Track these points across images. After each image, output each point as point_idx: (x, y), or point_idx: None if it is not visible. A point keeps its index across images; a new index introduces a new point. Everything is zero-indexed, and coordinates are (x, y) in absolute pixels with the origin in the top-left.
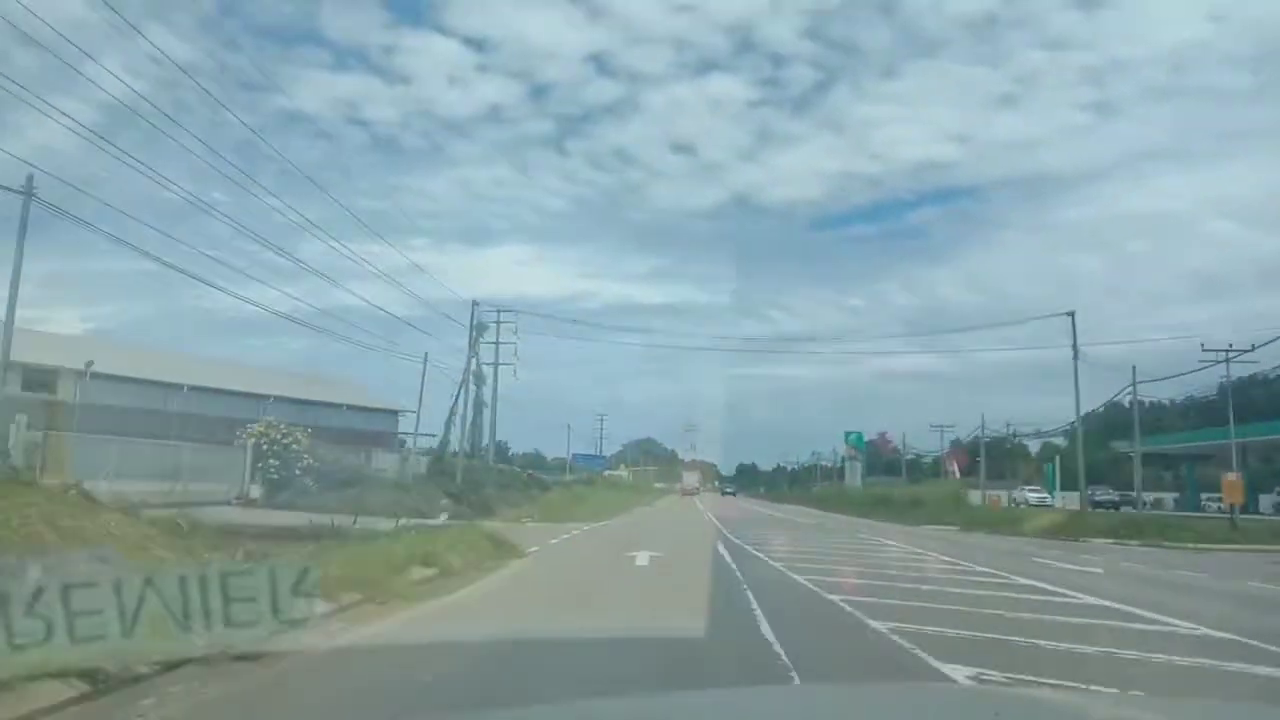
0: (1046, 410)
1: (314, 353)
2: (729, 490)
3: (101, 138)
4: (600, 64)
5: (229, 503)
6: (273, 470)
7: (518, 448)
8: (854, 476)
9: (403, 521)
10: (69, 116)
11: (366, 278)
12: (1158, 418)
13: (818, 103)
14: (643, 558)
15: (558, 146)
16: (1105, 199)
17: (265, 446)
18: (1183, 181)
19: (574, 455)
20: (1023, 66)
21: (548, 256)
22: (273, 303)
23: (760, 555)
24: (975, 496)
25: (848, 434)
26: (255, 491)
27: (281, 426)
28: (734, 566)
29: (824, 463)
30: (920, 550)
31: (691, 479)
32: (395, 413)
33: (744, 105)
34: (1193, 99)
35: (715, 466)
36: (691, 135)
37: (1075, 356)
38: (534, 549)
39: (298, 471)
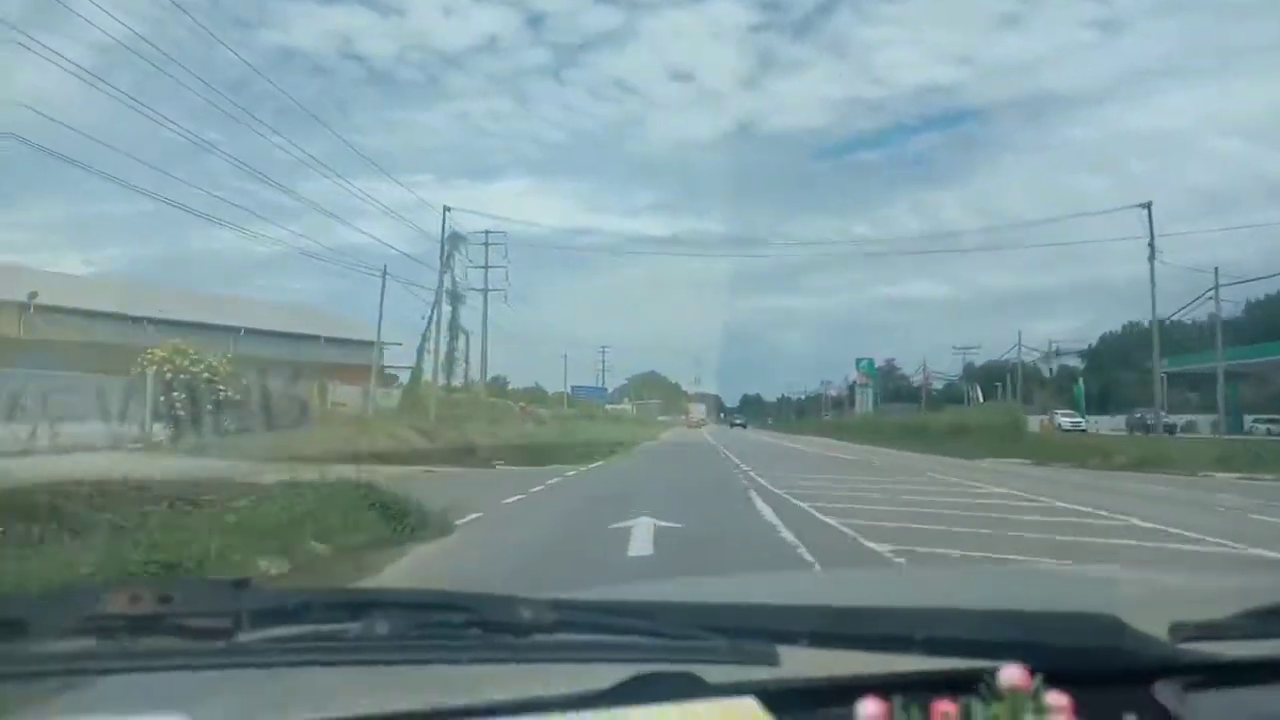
0: (1050, 334)
1: (324, 294)
2: (738, 421)
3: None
4: None
5: (124, 448)
6: (178, 406)
7: (518, 382)
8: (865, 404)
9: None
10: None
11: (369, 215)
12: (1181, 338)
13: (819, 26)
14: (641, 534)
15: (556, 76)
16: (1109, 118)
17: (170, 376)
18: (1186, 98)
19: (571, 387)
20: None
21: (549, 189)
22: (275, 241)
23: (835, 524)
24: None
25: (859, 360)
26: (161, 432)
27: (190, 351)
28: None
29: (831, 391)
30: (1059, 500)
31: (697, 412)
32: (370, 344)
33: (745, 30)
34: (1196, 13)
35: (719, 399)
36: (691, 62)
37: (1151, 257)
38: (474, 515)
39: (210, 407)
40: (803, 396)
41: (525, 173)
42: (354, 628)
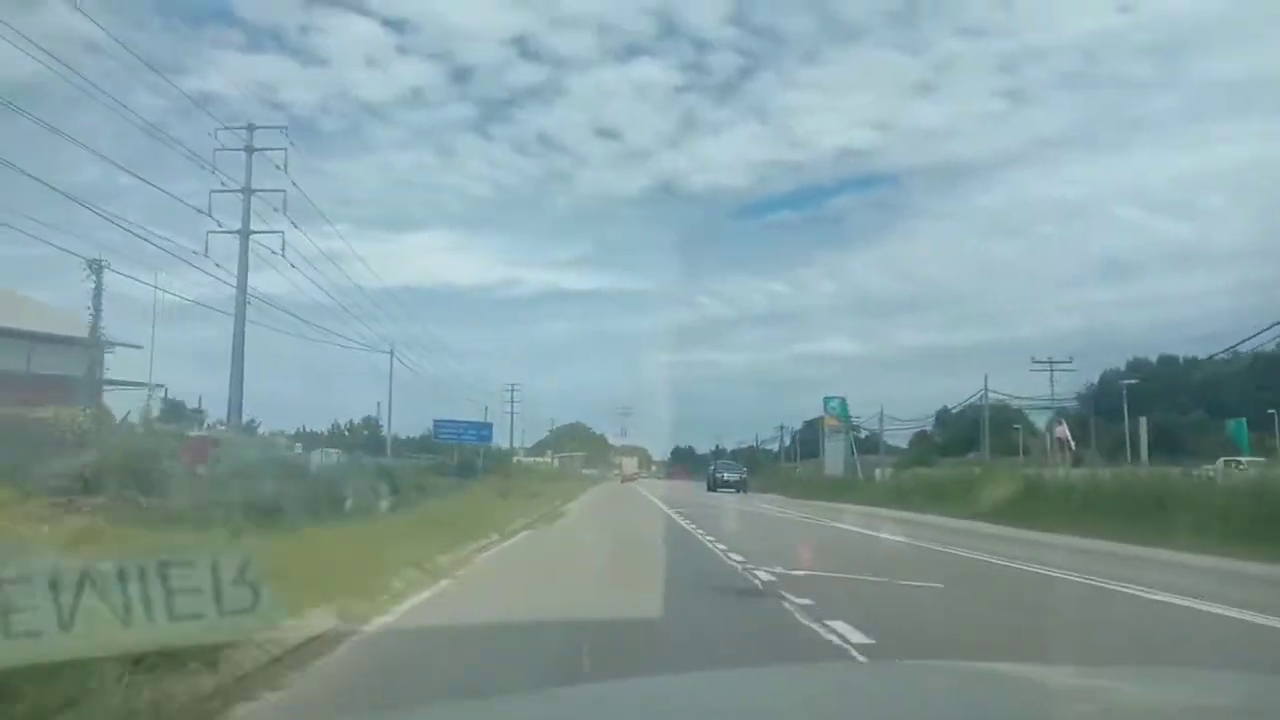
0: (958, 391)
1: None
2: (729, 479)
3: None
4: (523, 47)
5: None
6: None
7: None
8: (836, 453)
9: None
10: None
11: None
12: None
13: (741, 89)
14: None
15: (481, 131)
16: (1017, 185)
17: None
18: (1090, 168)
19: (437, 423)
20: (941, 54)
21: (472, 244)
22: (184, 290)
23: None
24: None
25: (827, 400)
26: None
27: None
28: None
29: (765, 445)
30: None
31: (630, 465)
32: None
33: (669, 91)
34: (1101, 87)
35: (647, 452)
36: (617, 121)
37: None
38: None
39: None
40: (737, 447)
41: (448, 225)
42: None
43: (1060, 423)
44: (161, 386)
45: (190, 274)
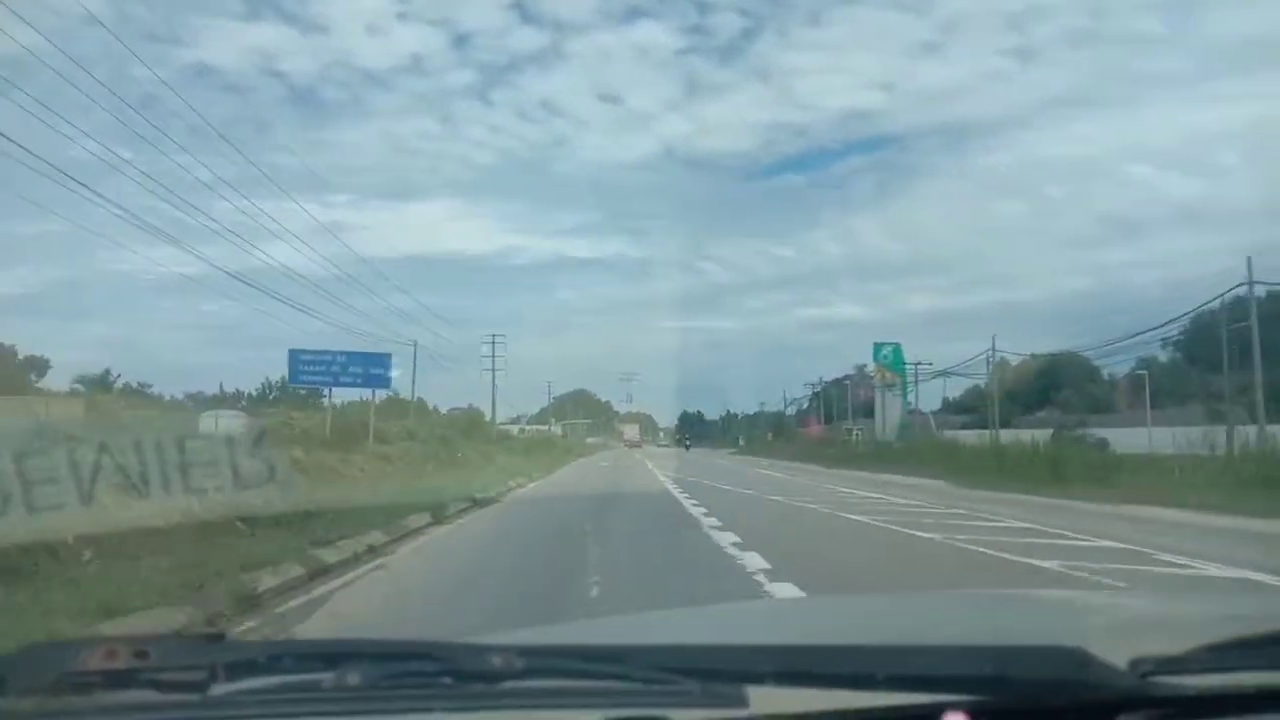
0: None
1: (235, 314)
2: (688, 442)
3: None
4: (523, 11)
5: None
6: None
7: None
8: (889, 414)
9: None
10: None
11: (286, 237)
12: None
13: (745, 51)
14: None
15: (482, 97)
16: (1025, 145)
17: None
18: (1098, 126)
19: (293, 356)
20: (946, 12)
21: (475, 212)
22: (185, 265)
23: None
24: None
25: (878, 348)
26: None
27: None
28: None
29: (784, 409)
30: None
31: (633, 431)
32: None
33: (671, 53)
34: (1108, 44)
35: (652, 418)
36: (619, 85)
37: None
38: None
39: None
40: (755, 411)
41: (450, 194)
42: (327, 678)
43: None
44: None
45: None
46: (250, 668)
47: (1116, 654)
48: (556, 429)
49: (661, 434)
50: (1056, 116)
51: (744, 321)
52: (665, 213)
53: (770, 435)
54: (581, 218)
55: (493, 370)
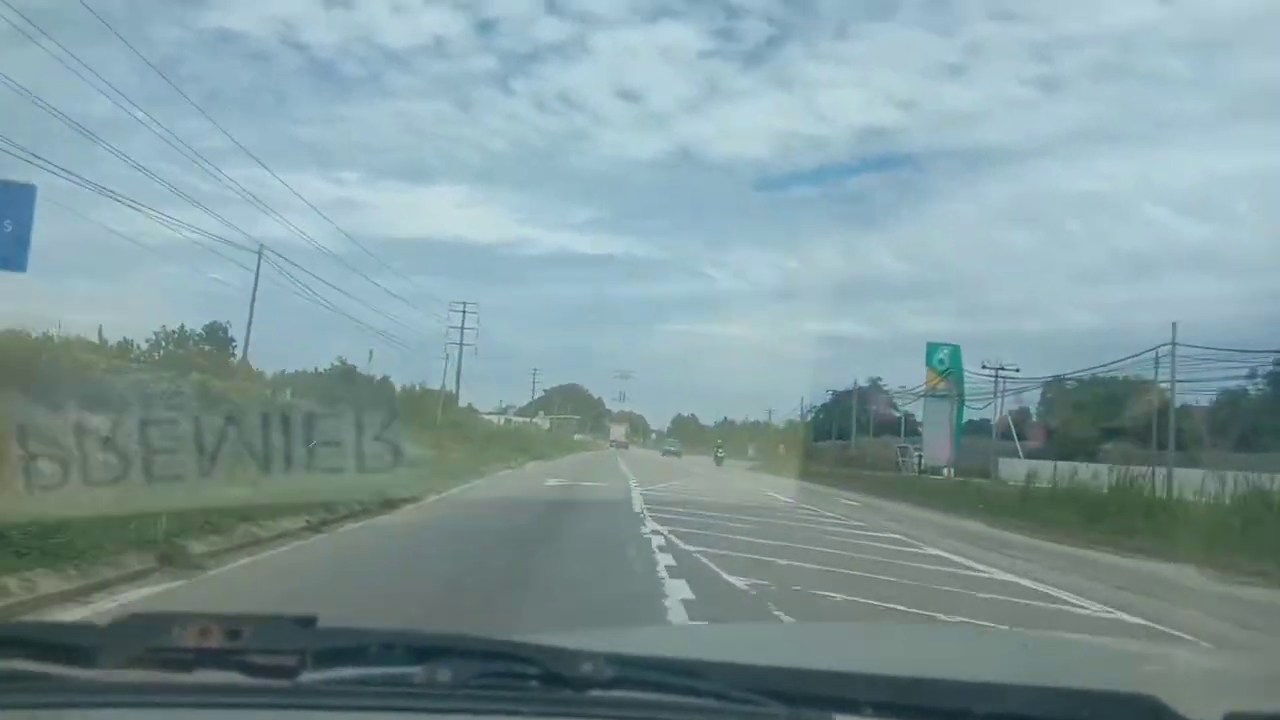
0: None
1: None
2: (671, 449)
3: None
4: (550, 2)
5: None
6: None
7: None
8: (939, 432)
9: None
10: None
11: (296, 210)
12: None
13: (769, 58)
14: None
15: (502, 85)
16: (1042, 175)
17: None
18: (1118, 164)
19: None
20: (972, 35)
21: (486, 199)
22: (186, 229)
23: None
24: None
25: (932, 349)
26: None
27: None
28: None
29: (803, 416)
30: None
31: (619, 431)
32: None
33: (694, 55)
34: (1136, 82)
35: (644, 419)
36: (639, 83)
37: None
38: None
39: None
40: (763, 420)
41: (462, 179)
42: (418, 673)
43: None
44: None
45: None
46: (341, 656)
47: (1194, 708)
48: (544, 422)
49: (653, 435)
50: (1076, 149)
51: (745, 330)
52: (675, 214)
53: (782, 448)
54: (591, 213)
55: (460, 344)
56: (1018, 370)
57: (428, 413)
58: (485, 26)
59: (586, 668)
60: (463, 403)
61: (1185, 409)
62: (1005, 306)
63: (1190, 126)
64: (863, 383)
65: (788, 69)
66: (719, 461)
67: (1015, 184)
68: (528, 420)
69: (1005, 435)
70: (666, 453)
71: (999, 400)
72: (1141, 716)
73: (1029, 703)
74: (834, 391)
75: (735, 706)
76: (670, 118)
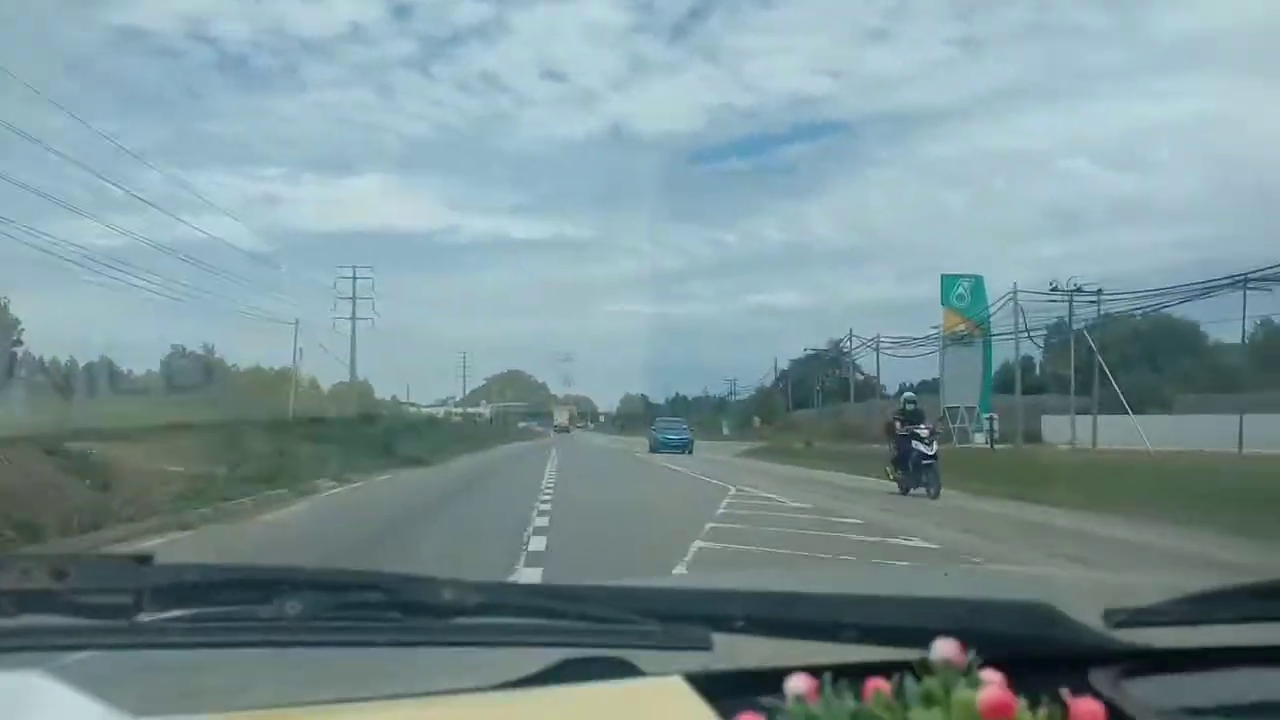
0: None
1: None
2: (672, 436)
3: None
4: None
5: None
6: None
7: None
8: (964, 383)
9: None
10: None
11: (214, 211)
12: None
13: (693, 30)
14: None
15: (423, 69)
16: (968, 135)
17: None
18: (1040, 119)
19: None
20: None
21: (413, 187)
22: (103, 237)
23: None
24: None
25: (949, 283)
26: None
27: None
28: None
29: (777, 384)
30: None
31: (563, 416)
32: None
33: (618, 31)
34: (1054, 37)
35: (591, 401)
36: (563, 61)
37: None
38: None
39: None
40: (724, 395)
41: (387, 168)
42: (264, 608)
43: None
44: None
45: None
46: (181, 593)
47: (1089, 613)
48: (486, 411)
49: (602, 418)
50: (1002, 107)
51: (690, 306)
52: (609, 194)
53: (758, 421)
54: (522, 197)
55: (352, 317)
56: (1100, 291)
57: (276, 399)
58: (402, 11)
59: (449, 595)
60: (386, 395)
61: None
62: (941, 268)
63: (1111, 79)
64: (838, 339)
65: (714, 40)
66: (662, 446)
67: (945, 145)
68: (464, 411)
69: (1033, 387)
70: (665, 444)
71: (1070, 335)
72: (1036, 623)
73: (911, 613)
74: (812, 350)
75: (607, 626)
76: (598, 95)
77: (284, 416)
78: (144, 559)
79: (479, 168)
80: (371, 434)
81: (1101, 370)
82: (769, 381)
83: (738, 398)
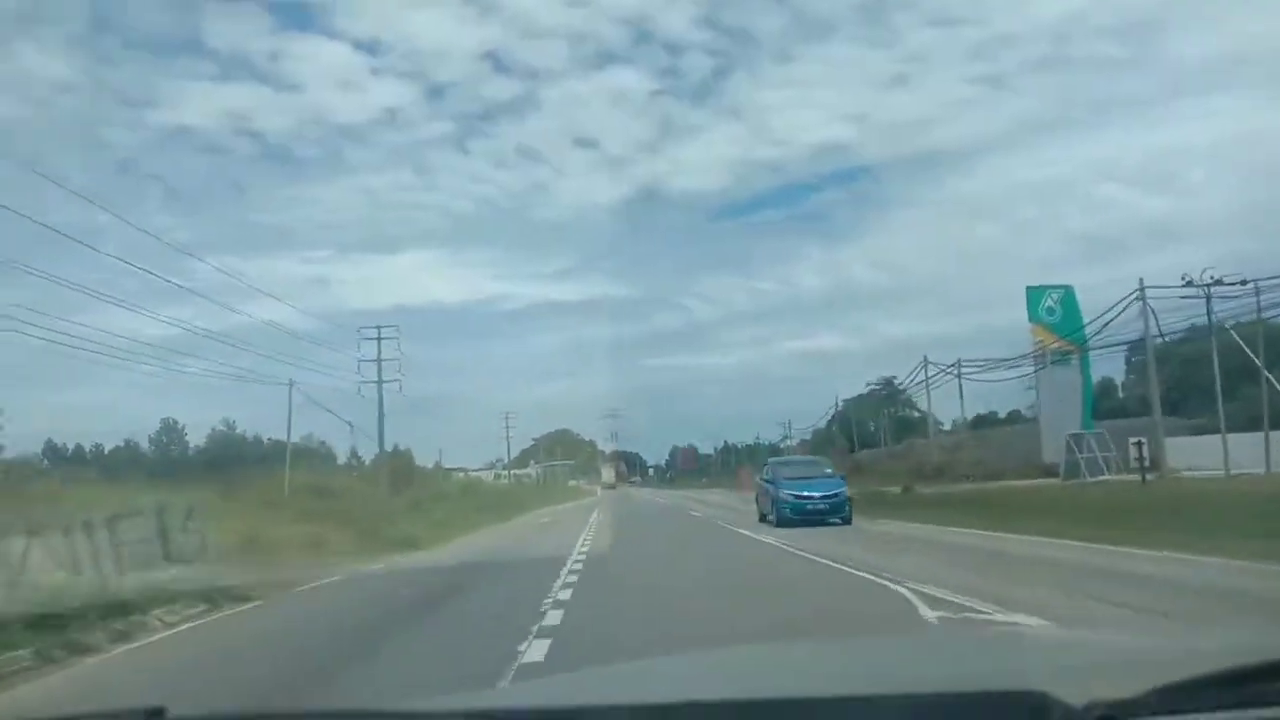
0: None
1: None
2: (819, 492)
3: None
4: (496, 61)
5: None
6: None
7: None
8: (1060, 411)
9: None
10: None
11: (264, 297)
12: None
13: (717, 90)
14: None
15: (459, 146)
16: (996, 169)
17: None
18: (1065, 149)
19: None
20: (912, 45)
21: (457, 261)
22: (164, 328)
23: None
24: None
25: (1037, 295)
26: None
27: None
28: None
29: (829, 426)
30: None
31: (609, 473)
32: None
33: (644, 96)
34: (1073, 69)
35: (640, 456)
36: (594, 129)
37: None
38: None
39: None
40: (756, 443)
41: (431, 244)
42: None
43: None
44: None
45: None
46: None
47: (1074, 696)
48: (534, 472)
49: (651, 471)
50: (1025, 141)
51: (731, 356)
52: (646, 253)
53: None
54: (563, 261)
55: (379, 380)
56: (1244, 283)
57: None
58: (435, 92)
59: None
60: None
61: None
62: (976, 301)
63: (1130, 106)
64: (890, 375)
65: (736, 98)
66: (795, 514)
67: (970, 181)
68: (511, 474)
69: (1128, 410)
70: (800, 510)
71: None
72: (1025, 714)
73: (896, 714)
74: (874, 385)
75: None
76: (629, 160)
77: (278, 494)
78: (157, 712)
79: (520, 237)
80: (373, 508)
81: (1238, 380)
82: (823, 423)
83: (790, 441)
